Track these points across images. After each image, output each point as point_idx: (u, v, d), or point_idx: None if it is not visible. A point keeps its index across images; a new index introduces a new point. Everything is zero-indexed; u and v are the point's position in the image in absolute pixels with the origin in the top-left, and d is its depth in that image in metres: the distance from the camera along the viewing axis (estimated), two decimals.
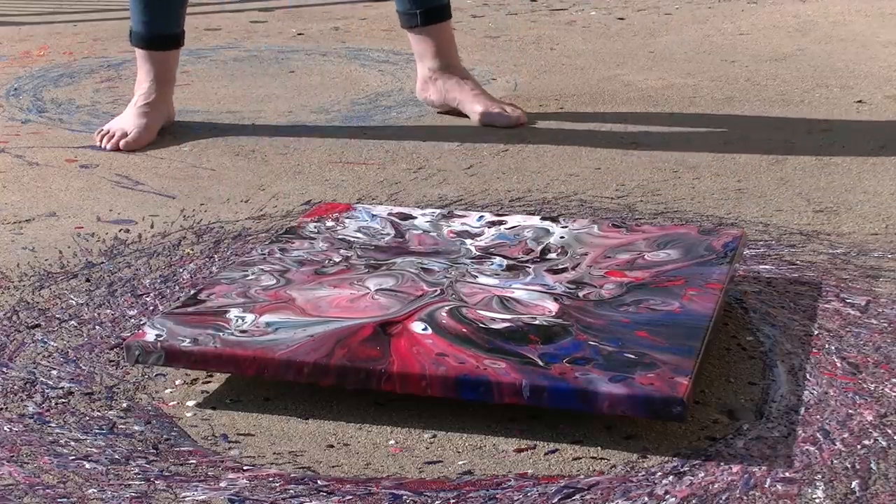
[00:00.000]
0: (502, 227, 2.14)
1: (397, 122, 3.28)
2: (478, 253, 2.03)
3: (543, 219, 2.18)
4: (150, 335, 1.74)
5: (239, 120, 3.34)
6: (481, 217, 2.19)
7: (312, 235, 2.13)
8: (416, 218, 2.20)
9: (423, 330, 1.74)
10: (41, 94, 3.68)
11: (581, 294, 1.85)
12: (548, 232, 2.11)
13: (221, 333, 1.74)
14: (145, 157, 2.99)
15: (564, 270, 1.95)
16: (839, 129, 3.11)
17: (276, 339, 1.72)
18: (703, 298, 1.83)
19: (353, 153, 3.00)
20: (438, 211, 2.24)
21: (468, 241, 2.08)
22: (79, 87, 3.78)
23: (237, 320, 1.78)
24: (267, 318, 1.79)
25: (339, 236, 2.12)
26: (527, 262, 1.99)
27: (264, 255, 2.04)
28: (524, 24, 4.76)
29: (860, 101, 3.39)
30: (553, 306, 1.81)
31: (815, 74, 3.76)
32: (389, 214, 2.21)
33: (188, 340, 1.73)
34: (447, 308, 1.81)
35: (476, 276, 1.93)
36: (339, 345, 1.70)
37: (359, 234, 2.13)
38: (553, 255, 2.01)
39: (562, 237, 2.09)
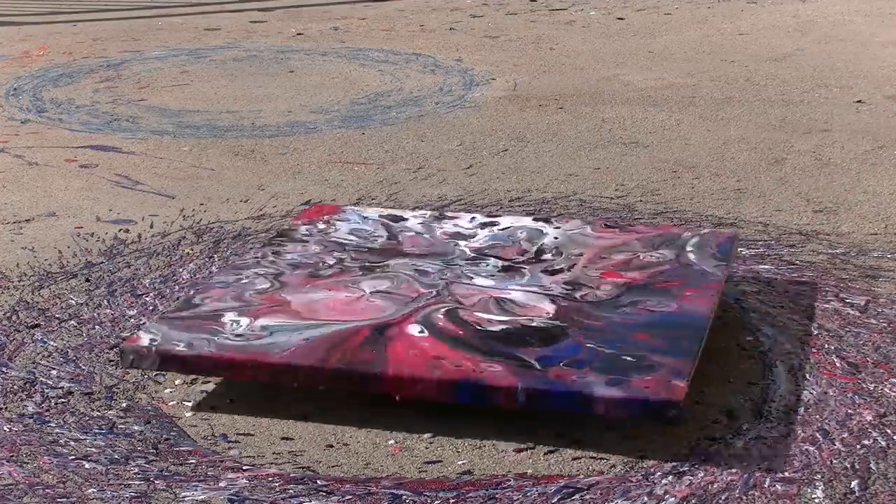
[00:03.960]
0: (495, 228, 2.14)
1: (397, 122, 3.28)
2: (472, 254, 2.03)
3: (536, 219, 2.18)
4: (144, 339, 1.74)
5: (239, 120, 3.34)
6: (473, 218, 2.19)
7: (304, 238, 2.12)
8: (407, 220, 2.20)
9: (419, 332, 1.73)
10: (41, 93, 3.68)
11: (578, 295, 1.85)
12: (541, 233, 2.11)
13: (216, 338, 1.74)
14: (145, 157, 2.99)
15: (560, 271, 1.94)
16: (839, 129, 3.11)
17: (272, 342, 1.72)
18: (701, 300, 1.82)
19: (352, 153, 3.00)
20: (430, 213, 2.23)
21: (462, 243, 2.08)
22: (78, 86, 3.78)
23: (232, 324, 1.78)
24: (262, 321, 1.79)
25: (332, 239, 2.12)
26: (522, 263, 1.99)
27: (257, 258, 2.03)
28: (524, 24, 4.76)
29: (860, 101, 3.39)
30: (550, 308, 1.81)
31: (815, 74, 3.76)
32: (381, 217, 2.21)
33: (183, 345, 1.73)
34: (444, 310, 1.80)
35: (472, 278, 1.93)
36: (335, 349, 1.69)
37: (351, 237, 2.12)
38: (548, 256, 2.01)
39: (556, 238, 2.08)
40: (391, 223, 2.18)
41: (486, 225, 2.15)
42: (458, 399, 1.62)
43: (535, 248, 2.04)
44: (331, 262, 2.01)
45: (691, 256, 1.99)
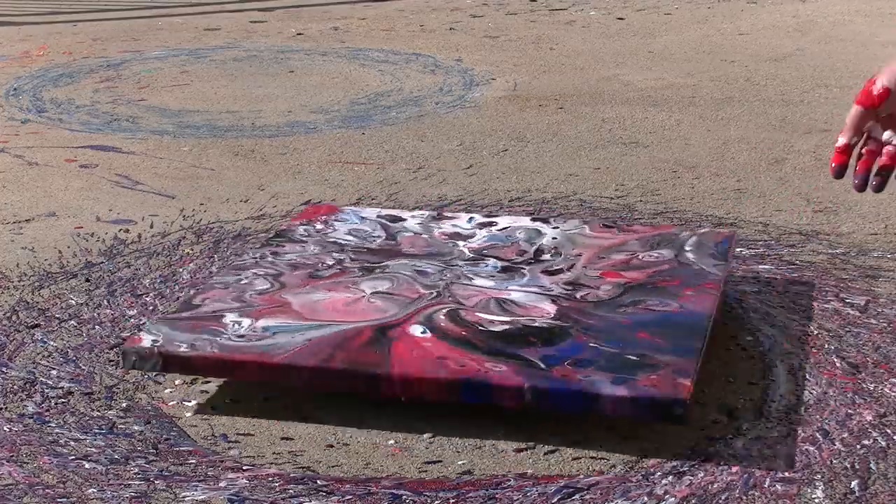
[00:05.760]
0: (493, 228, 2.14)
1: (397, 122, 3.28)
2: (471, 255, 2.03)
3: (534, 219, 2.18)
4: (146, 340, 1.73)
5: (239, 120, 3.34)
6: (472, 218, 2.19)
7: (303, 238, 2.12)
8: (405, 220, 2.19)
9: (421, 333, 1.73)
10: (41, 94, 3.68)
11: (578, 295, 1.85)
12: (539, 233, 2.10)
13: (218, 338, 1.74)
14: (145, 157, 2.99)
15: (560, 272, 1.94)
16: (839, 129, 3.10)
17: (275, 343, 1.72)
18: (701, 298, 1.82)
19: (352, 153, 3.00)
20: (428, 213, 2.23)
21: (461, 243, 2.08)
22: (78, 86, 3.78)
23: (234, 325, 1.78)
24: (264, 322, 1.78)
25: (331, 239, 2.11)
26: (521, 263, 1.98)
27: (256, 259, 2.03)
28: (524, 24, 4.76)
29: None
30: (551, 308, 1.81)
31: (815, 74, 3.77)
32: (378, 217, 2.21)
33: (185, 346, 1.72)
34: (445, 311, 1.80)
35: (472, 279, 1.92)
36: (339, 349, 1.69)
37: (349, 237, 2.12)
38: (547, 257, 2.01)
39: (554, 238, 2.08)
40: (389, 223, 2.17)
41: (484, 225, 2.15)
42: (464, 399, 1.61)
43: (533, 249, 2.04)
44: (330, 263, 2.01)
45: (690, 256, 1.99)
